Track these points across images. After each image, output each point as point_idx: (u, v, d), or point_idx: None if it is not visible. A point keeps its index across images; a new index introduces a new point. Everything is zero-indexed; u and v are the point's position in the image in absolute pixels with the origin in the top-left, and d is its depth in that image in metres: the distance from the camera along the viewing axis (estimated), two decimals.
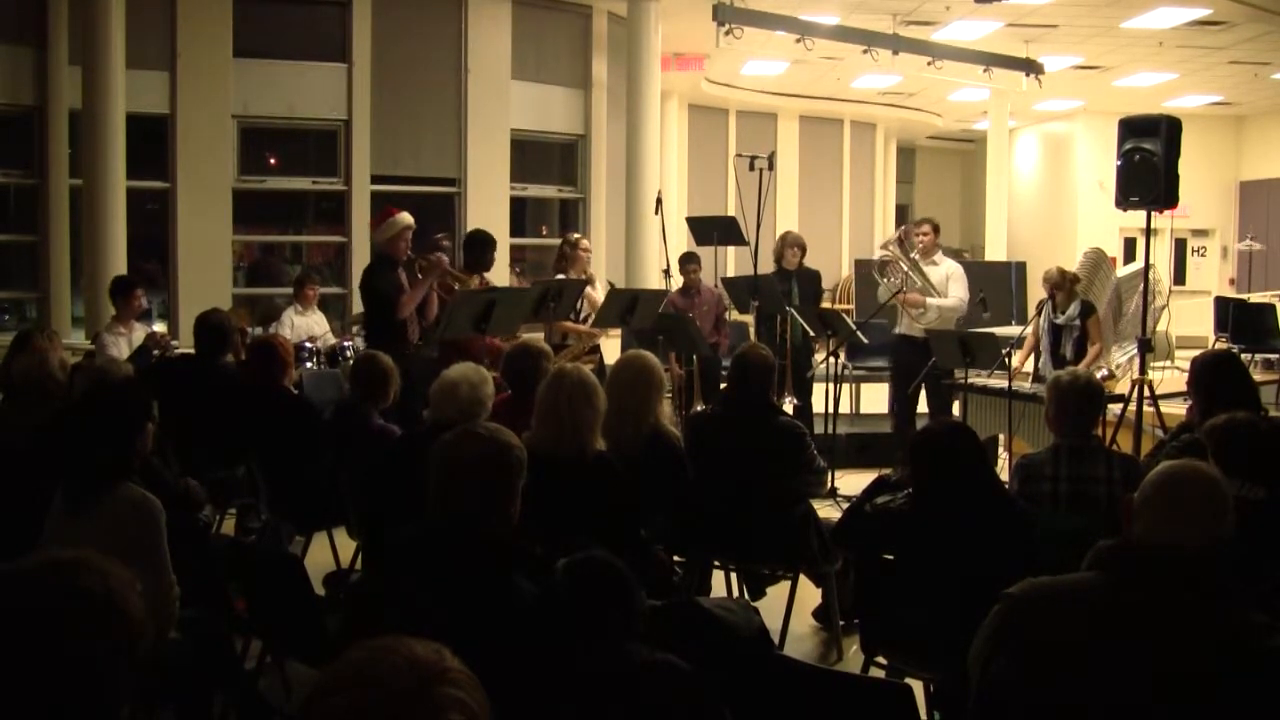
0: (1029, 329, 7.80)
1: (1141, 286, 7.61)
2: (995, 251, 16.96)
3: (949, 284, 7.75)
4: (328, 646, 3.26)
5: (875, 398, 9.80)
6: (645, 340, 7.12)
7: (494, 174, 11.07)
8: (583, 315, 7.46)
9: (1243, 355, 8.69)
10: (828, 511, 6.01)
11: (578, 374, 3.98)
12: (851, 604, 4.50)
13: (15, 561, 1.56)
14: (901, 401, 7.85)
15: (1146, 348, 6.51)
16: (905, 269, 7.72)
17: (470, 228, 10.51)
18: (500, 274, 9.51)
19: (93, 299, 8.92)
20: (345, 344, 8.44)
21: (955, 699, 3.15)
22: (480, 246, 7.28)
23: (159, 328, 8.70)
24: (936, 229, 7.92)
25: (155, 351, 6.97)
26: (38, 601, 1.49)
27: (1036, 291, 8.76)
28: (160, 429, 3.86)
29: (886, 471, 3.94)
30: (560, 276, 7.42)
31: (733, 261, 14.99)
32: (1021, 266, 15.22)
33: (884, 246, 7.94)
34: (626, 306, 7.01)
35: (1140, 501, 2.38)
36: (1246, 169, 19.43)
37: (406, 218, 6.98)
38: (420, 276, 6.80)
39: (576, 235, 8.03)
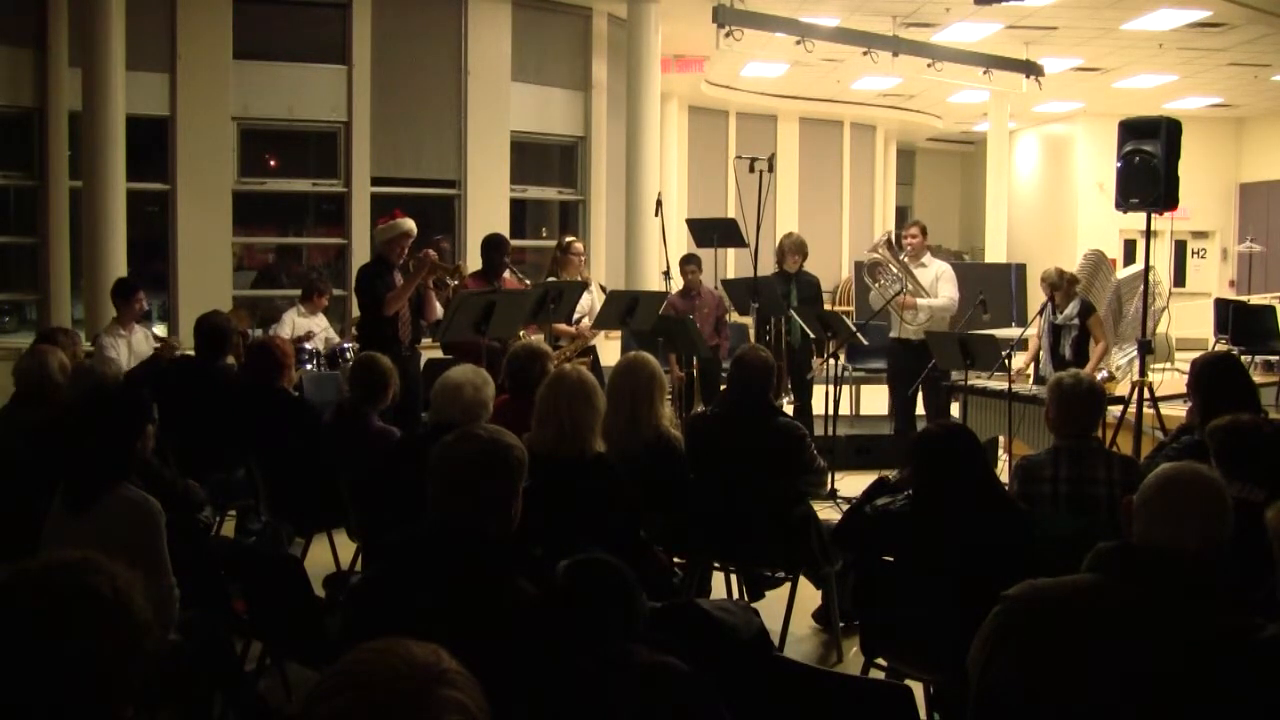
0: (1031, 330, 7.81)
1: (1141, 288, 7.61)
2: (995, 253, 16.96)
3: (938, 284, 7.78)
4: (327, 648, 3.26)
5: (875, 399, 9.81)
6: (645, 342, 7.13)
7: (494, 176, 11.06)
8: (574, 318, 7.46)
9: (1243, 357, 8.69)
10: (828, 513, 6.02)
11: (578, 375, 3.98)
12: (851, 605, 4.49)
13: (22, 561, 1.56)
14: (901, 404, 7.86)
15: (1146, 349, 6.51)
16: (895, 271, 7.75)
17: (470, 230, 10.57)
18: None
19: (92, 301, 8.91)
20: (345, 346, 8.44)
21: (955, 700, 3.16)
22: (491, 249, 7.29)
23: (159, 329, 8.71)
24: (924, 231, 7.98)
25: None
26: (46, 601, 1.49)
27: (1036, 293, 8.77)
28: (160, 430, 3.86)
29: (886, 473, 3.94)
30: (551, 279, 7.42)
31: (732, 263, 15.00)
32: (1021, 268, 15.23)
33: (873, 249, 7.96)
34: (626, 308, 7.00)
35: (1139, 503, 2.38)
36: (1246, 171, 19.43)
37: (408, 224, 6.98)
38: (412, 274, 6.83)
39: (570, 239, 8.03)
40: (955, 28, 12.56)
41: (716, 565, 4.82)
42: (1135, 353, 6.80)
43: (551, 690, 2.20)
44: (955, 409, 7.50)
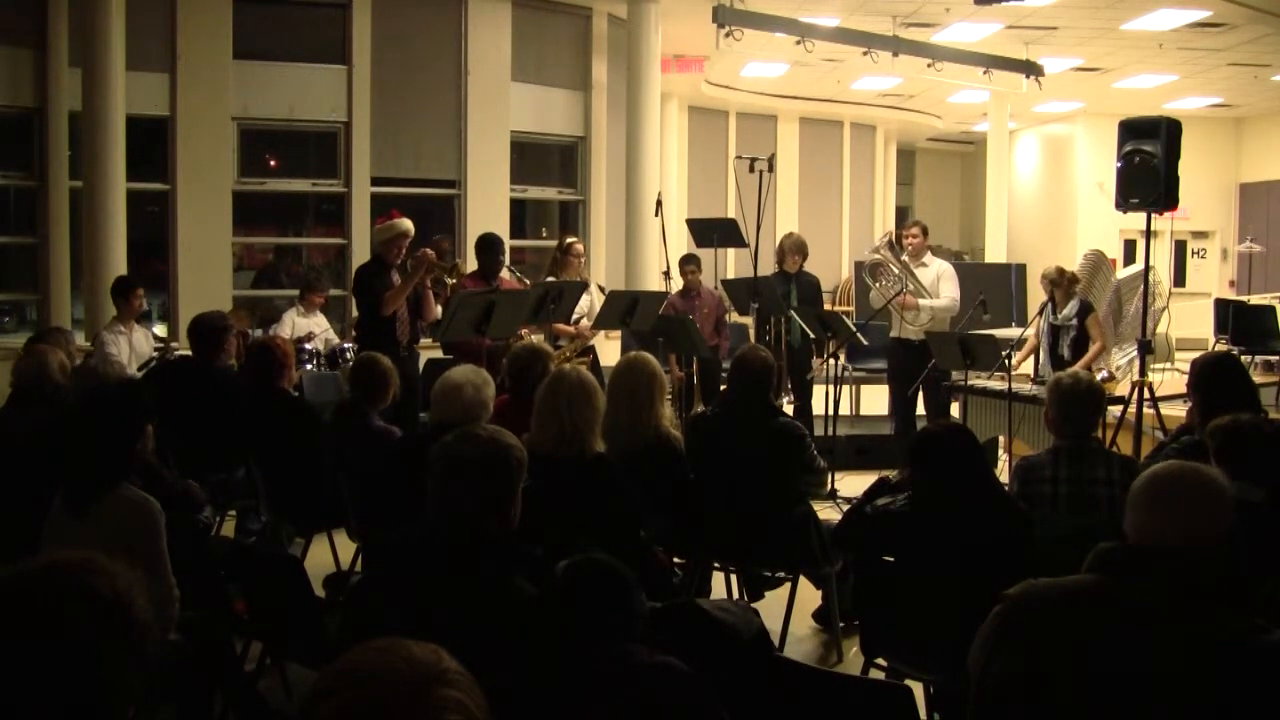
0: (1030, 330, 7.81)
1: (1141, 288, 7.61)
2: (995, 253, 16.96)
3: (940, 284, 7.78)
4: (327, 648, 3.26)
5: (875, 399, 9.81)
6: (645, 342, 7.13)
7: (494, 176, 11.06)
8: (574, 318, 7.46)
9: (1243, 357, 8.68)
10: (828, 513, 6.02)
11: (577, 375, 3.98)
12: (851, 605, 4.49)
13: (23, 562, 1.56)
14: (901, 404, 7.86)
15: (1146, 350, 6.51)
16: (896, 271, 7.75)
17: (470, 230, 10.56)
18: None
19: (92, 301, 8.91)
20: (345, 346, 8.45)
21: (955, 700, 3.16)
22: (485, 249, 7.29)
23: (159, 329, 8.71)
24: (925, 231, 7.98)
25: None
26: (46, 602, 1.49)
27: (1036, 293, 8.77)
28: (160, 430, 3.86)
29: (887, 473, 3.94)
30: (551, 279, 7.42)
31: (732, 263, 14.99)
32: (1021, 268, 15.24)
33: (874, 250, 7.97)
34: (626, 308, 7.01)
35: (1129, 502, 2.38)
36: (1246, 171, 19.43)
37: (405, 224, 6.98)
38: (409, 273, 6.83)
39: (570, 239, 8.03)
40: (955, 28, 12.57)
41: (716, 565, 4.82)
42: (1135, 353, 6.79)
43: (552, 690, 2.20)
44: (955, 409, 7.50)
